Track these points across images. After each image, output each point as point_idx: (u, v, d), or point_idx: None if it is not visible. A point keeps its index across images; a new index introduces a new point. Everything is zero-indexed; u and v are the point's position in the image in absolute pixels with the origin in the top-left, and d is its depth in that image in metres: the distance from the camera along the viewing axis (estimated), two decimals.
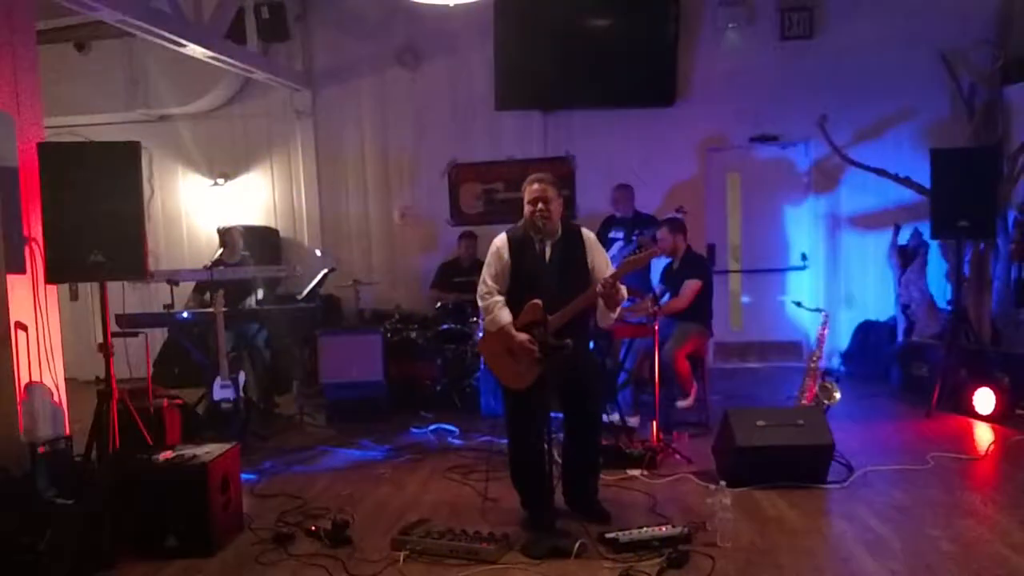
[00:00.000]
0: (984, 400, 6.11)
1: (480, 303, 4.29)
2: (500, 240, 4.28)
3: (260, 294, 6.97)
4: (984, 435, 5.76)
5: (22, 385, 4.64)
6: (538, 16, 8.35)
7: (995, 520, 4.14)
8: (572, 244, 4.23)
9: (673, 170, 8.46)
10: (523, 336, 4.05)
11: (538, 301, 3.96)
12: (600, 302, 4.07)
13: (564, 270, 4.12)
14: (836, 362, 8.26)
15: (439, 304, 7.73)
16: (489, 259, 4.28)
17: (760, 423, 4.72)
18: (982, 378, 6.24)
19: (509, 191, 8.52)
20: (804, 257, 8.62)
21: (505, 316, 4.14)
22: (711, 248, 8.42)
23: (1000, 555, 3.68)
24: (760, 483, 4.62)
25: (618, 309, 4.19)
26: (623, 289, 4.12)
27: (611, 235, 7.23)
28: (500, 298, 4.20)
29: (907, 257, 7.99)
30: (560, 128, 8.80)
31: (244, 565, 3.90)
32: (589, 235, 4.32)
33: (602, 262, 4.26)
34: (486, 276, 4.25)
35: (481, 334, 4.62)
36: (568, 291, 4.05)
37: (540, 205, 4.11)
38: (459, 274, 7.81)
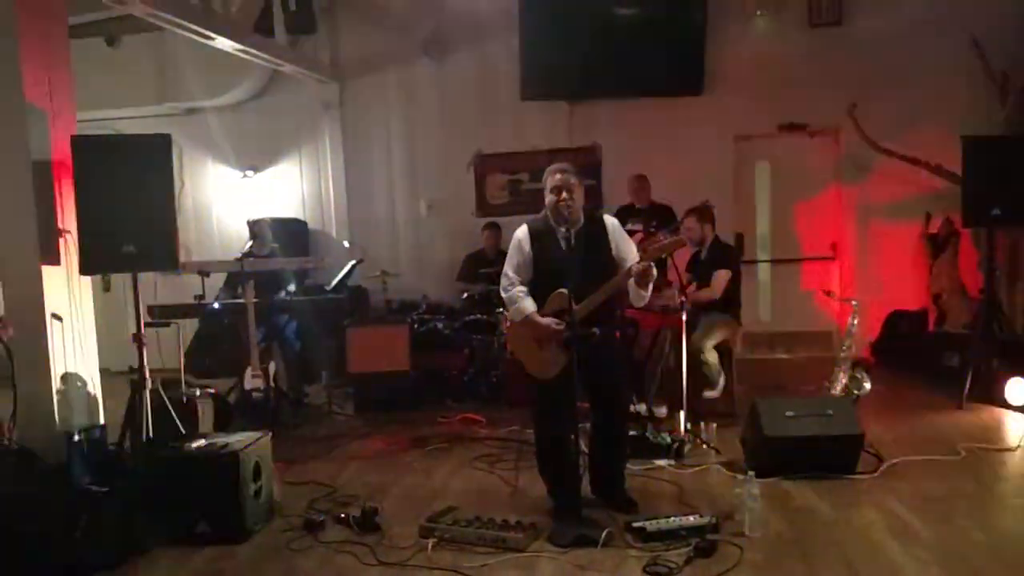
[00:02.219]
0: (1016, 390, 6.03)
1: (503, 295, 4.31)
2: (521, 232, 4.28)
3: (291, 286, 7.04)
4: (1016, 426, 5.69)
5: (57, 375, 4.72)
6: (564, 5, 8.33)
7: None
8: (596, 232, 4.23)
9: (701, 159, 8.40)
10: (548, 319, 4.07)
11: (563, 290, 3.97)
12: (632, 283, 4.06)
13: (588, 258, 4.10)
14: (866, 352, 8.18)
15: (465, 295, 7.76)
16: (511, 251, 4.30)
17: (789, 413, 4.70)
18: (1014, 368, 6.15)
19: (534, 182, 8.50)
20: (834, 246, 8.54)
21: (529, 305, 4.15)
22: (739, 237, 8.36)
23: None
24: (789, 473, 4.59)
25: (650, 287, 4.15)
26: (654, 269, 4.11)
27: (628, 227, 7.16)
28: (523, 288, 4.21)
29: (938, 246, 7.90)
30: (586, 118, 8.77)
31: (275, 551, 3.95)
32: (612, 222, 4.32)
33: (626, 248, 4.25)
34: (507, 268, 4.27)
35: (508, 324, 4.64)
36: (593, 279, 4.05)
37: (564, 194, 4.11)
38: (485, 265, 7.83)
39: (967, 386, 6.23)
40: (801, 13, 8.25)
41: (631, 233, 6.99)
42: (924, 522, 3.95)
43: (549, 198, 4.17)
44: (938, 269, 7.79)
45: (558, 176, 4.15)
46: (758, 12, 8.26)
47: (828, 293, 6.53)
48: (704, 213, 6.36)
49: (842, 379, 6.03)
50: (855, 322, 6.10)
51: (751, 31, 8.32)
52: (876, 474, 4.67)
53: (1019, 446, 5.19)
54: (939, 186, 7.78)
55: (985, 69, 7.73)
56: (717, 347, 6.12)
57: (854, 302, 6.15)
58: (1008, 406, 6.04)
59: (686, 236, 6.19)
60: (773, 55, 8.27)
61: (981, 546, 3.67)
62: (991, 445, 5.20)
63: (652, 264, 3.99)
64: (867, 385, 5.98)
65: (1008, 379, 6.09)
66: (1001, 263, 7.28)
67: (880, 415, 5.89)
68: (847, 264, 8.48)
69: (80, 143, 4.59)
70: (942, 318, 7.70)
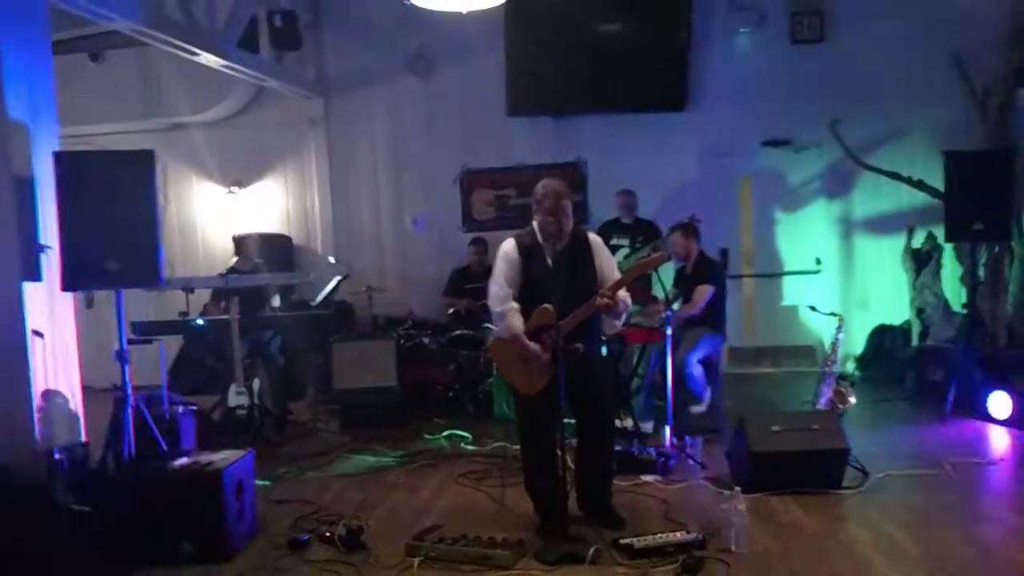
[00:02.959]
0: (1000, 404, 6.06)
1: (493, 308, 4.28)
2: (508, 245, 4.27)
3: (275, 301, 7.00)
4: (1000, 439, 5.72)
5: (39, 392, 4.67)
6: (549, 22, 8.36)
7: (1012, 524, 4.12)
8: (579, 249, 4.23)
9: (685, 175, 8.45)
10: (535, 347, 4.06)
11: (548, 306, 3.96)
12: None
13: (572, 275, 4.10)
14: (851, 367, 8.21)
15: (452, 310, 7.75)
16: (499, 264, 4.27)
17: (775, 428, 4.71)
18: (998, 382, 6.19)
19: (521, 197, 8.51)
20: (818, 261, 8.58)
21: (517, 323, 4.14)
22: (724, 252, 8.39)
23: (1018, 560, 3.66)
24: (775, 488, 4.60)
25: (623, 317, 4.19)
26: (626, 298, 4.12)
27: (613, 242, 7.19)
28: (515, 305, 4.18)
29: (921, 261, 7.95)
30: (571, 134, 8.79)
31: (259, 571, 3.91)
32: (596, 239, 4.33)
33: (608, 267, 4.27)
34: (498, 279, 4.24)
35: (493, 339, 4.63)
36: (577, 295, 4.04)
37: (559, 217, 4.09)
38: (471, 280, 7.81)
39: (951, 400, 6.26)
40: (784, 30, 8.32)
41: (615, 248, 7.05)
42: (910, 536, 3.97)
43: (544, 219, 4.14)
44: (921, 283, 7.84)
45: (556, 201, 4.11)
46: (741, 29, 8.33)
47: (812, 308, 6.55)
48: (689, 228, 6.39)
49: (827, 393, 6.05)
50: (840, 336, 6.13)
51: (734, 48, 8.39)
52: (862, 488, 4.68)
53: (1002, 459, 5.23)
54: (922, 201, 7.85)
55: (966, 85, 7.81)
56: (702, 362, 6.13)
57: (838, 316, 6.17)
58: (992, 419, 6.07)
59: (672, 251, 6.24)
60: (756, 71, 8.35)
61: (966, 560, 3.68)
62: (976, 458, 5.22)
63: (615, 295, 4.01)
64: (852, 399, 6.00)
65: (991, 393, 6.13)
66: (983, 277, 7.34)
67: (865, 429, 5.90)
68: (831, 279, 8.52)
69: (63, 159, 4.57)
70: (926, 332, 7.75)
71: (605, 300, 3.99)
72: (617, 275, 4.19)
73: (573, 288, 4.05)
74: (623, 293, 4.11)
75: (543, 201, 4.15)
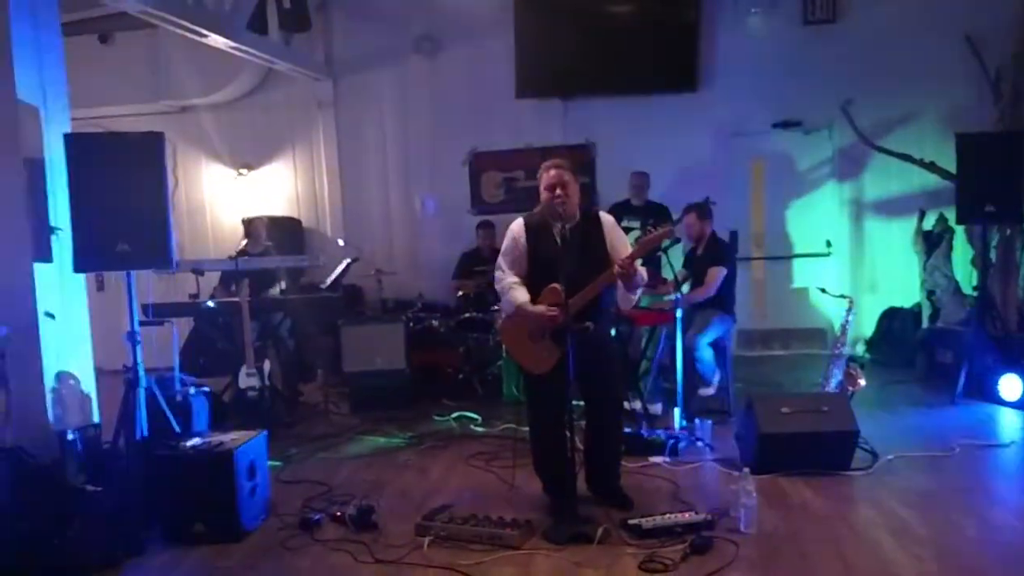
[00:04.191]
0: (1010, 387, 6.05)
1: (496, 287, 4.32)
2: (516, 226, 4.27)
3: (284, 284, 7.02)
4: (1010, 422, 5.71)
5: (51, 373, 4.69)
6: (558, 3, 8.33)
7: (1021, 508, 4.11)
8: (590, 228, 4.22)
9: (695, 156, 8.41)
10: (540, 306, 4.05)
11: (556, 285, 3.96)
12: (619, 284, 4.06)
13: (582, 254, 4.10)
14: (861, 349, 8.20)
15: (460, 293, 7.76)
16: (506, 245, 4.29)
17: (784, 410, 4.70)
18: (1008, 364, 6.17)
19: (529, 179, 8.49)
20: (828, 244, 8.55)
21: (521, 295, 4.14)
22: (734, 235, 8.35)
23: None
24: (784, 470, 4.60)
25: (638, 291, 4.18)
26: (642, 270, 4.11)
27: (624, 224, 7.16)
28: (515, 279, 4.20)
29: (932, 243, 7.91)
30: (580, 115, 8.77)
31: (270, 550, 3.94)
32: (607, 218, 4.32)
33: (620, 245, 4.23)
34: (502, 262, 4.27)
35: (502, 320, 4.64)
36: (587, 275, 4.04)
37: (558, 191, 4.10)
38: (479, 263, 7.81)
39: (961, 382, 6.25)
40: (795, 10, 8.27)
41: (626, 231, 7.01)
42: (919, 518, 3.97)
43: (544, 194, 4.16)
44: (932, 266, 7.80)
45: (553, 172, 4.15)
46: (752, 10, 8.26)
47: (822, 290, 6.52)
48: (704, 209, 6.36)
49: (837, 376, 6.03)
50: (850, 319, 6.11)
51: (745, 29, 8.32)
52: (871, 470, 4.68)
53: (1013, 442, 5.22)
54: (933, 183, 7.80)
55: (978, 66, 7.74)
56: (712, 344, 6.12)
57: (848, 299, 6.15)
58: (1002, 402, 6.06)
59: (686, 232, 6.23)
60: (767, 52, 8.29)
61: (975, 542, 3.68)
62: (985, 441, 5.21)
63: (633, 263, 4.00)
64: (862, 382, 5.98)
65: (1002, 376, 6.11)
66: (995, 259, 7.31)
67: (875, 411, 5.90)
68: (842, 261, 8.49)
69: (73, 140, 4.57)
70: (936, 315, 7.72)
71: (621, 268, 3.97)
72: (629, 251, 4.17)
73: (583, 267, 4.04)
74: (639, 267, 4.10)
75: (543, 176, 4.17)
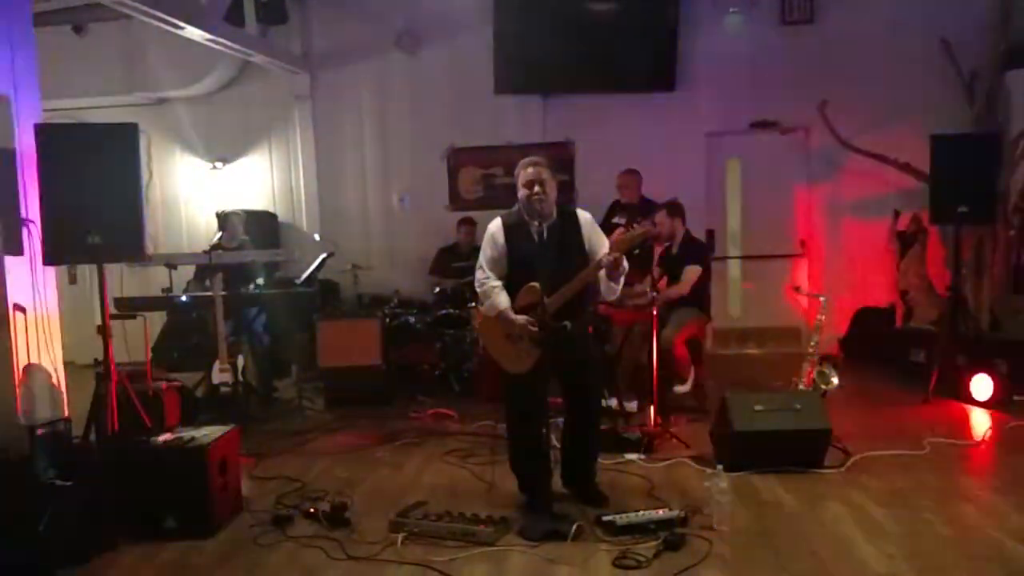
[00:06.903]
0: (981, 386, 6.11)
1: (478, 289, 4.30)
2: (495, 225, 4.26)
3: (260, 279, 6.97)
4: (981, 421, 5.77)
5: (20, 367, 4.63)
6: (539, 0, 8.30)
7: (991, 505, 4.15)
8: (568, 226, 4.21)
9: (673, 155, 8.41)
10: (522, 318, 4.05)
11: (535, 284, 3.96)
12: (602, 275, 4.06)
13: (560, 252, 4.11)
14: (834, 348, 8.26)
15: (438, 289, 7.73)
16: (484, 245, 4.27)
17: (758, 407, 4.73)
18: (980, 364, 6.24)
19: (508, 176, 8.46)
20: (803, 243, 8.61)
21: (503, 301, 4.14)
22: (710, 234, 8.41)
23: (996, 540, 3.70)
24: (757, 467, 4.63)
25: (621, 280, 4.15)
26: (625, 261, 4.10)
27: (615, 220, 7.16)
28: (498, 283, 4.19)
29: (906, 243, 7.98)
30: (560, 113, 8.77)
31: (242, 547, 3.91)
32: (585, 216, 4.30)
33: (598, 242, 4.22)
34: (482, 262, 4.25)
35: (480, 318, 4.62)
36: (565, 273, 4.04)
37: (536, 188, 4.09)
38: (458, 259, 7.80)
39: (933, 382, 6.31)
40: (774, 11, 8.32)
41: (615, 226, 6.99)
42: (890, 516, 4.00)
43: (522, 192, 4.15)
44: (906, 266, 7.88)
45: (531, 170, 4.14)
46: (731, 9, 8.28)
47: (797, 289, 6.57)
48: (674, 208, 6.38)
49: (810, 374, 6.08)
50: (823, 318, 6.15)
51: (724, 28, 8.34)
52: (843, 468, 4.71)
53: (983, 441, 5.28)
54: (908, 184, 7.88)
55: (954, 68, 7.82)
56: (687, 342, 6.15)
57: (822, 298, 6.19)
58: (973, 401, 6.12)
59: (657, 231, 6.22)
60: (745, 52, 8.32)
61: (946, 540, 3.72)
62: (956, 440, 5.26)
63: (622, 255, 3.99)
64: (835, 380, 6.03)
65: (973, 375, 6.17)
66: (967, 260, 7.39)
67: (847, 410, 5.94)
68: (816, 260, 8.56)
69: (45, 131, 4.51)
70: (909, 314, 7.80)
71: (613, 256, 3.95)
72: (607, 248, 4.15)
73: (561, 265, 4.05)
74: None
75: (520, 174, 4.16)
